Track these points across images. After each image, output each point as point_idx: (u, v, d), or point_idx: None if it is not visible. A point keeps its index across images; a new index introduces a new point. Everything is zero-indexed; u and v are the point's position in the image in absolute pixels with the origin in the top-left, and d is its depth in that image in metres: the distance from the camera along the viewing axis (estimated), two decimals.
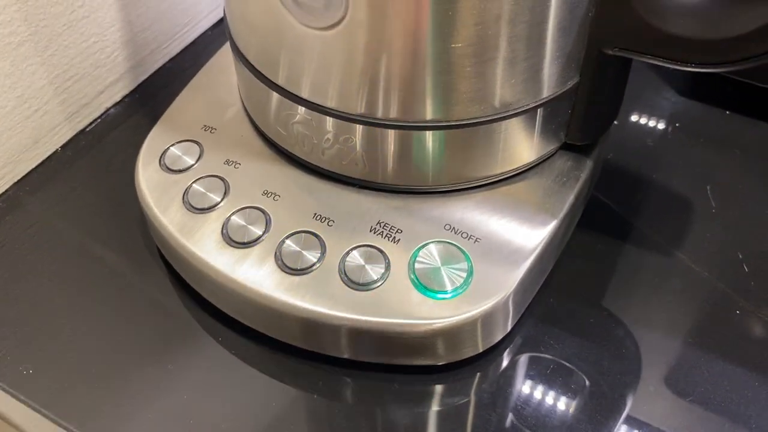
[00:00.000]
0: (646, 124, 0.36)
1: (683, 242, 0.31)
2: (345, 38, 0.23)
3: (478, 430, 0.25)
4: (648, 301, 0.29)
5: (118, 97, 0.37)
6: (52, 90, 0.33)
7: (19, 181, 0.34)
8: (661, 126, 0.36)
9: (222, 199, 0.27)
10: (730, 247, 0.30)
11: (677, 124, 0.36)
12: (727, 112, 0.36)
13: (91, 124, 0.36)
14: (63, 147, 0.35)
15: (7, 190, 0.33)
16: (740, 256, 0.30)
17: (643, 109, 0.37)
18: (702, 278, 0.29)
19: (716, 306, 0.28)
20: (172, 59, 0.40)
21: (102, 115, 0.37)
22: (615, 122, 0.35)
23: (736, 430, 0.25)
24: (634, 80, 0.33)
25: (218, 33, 0.42)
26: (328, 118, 0.26)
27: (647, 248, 0.30)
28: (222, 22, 0.42)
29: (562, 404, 0.26)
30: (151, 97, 0.38)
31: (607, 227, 0.31)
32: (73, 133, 0.36)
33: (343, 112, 0.25)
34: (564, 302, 0.29)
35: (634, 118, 0.36)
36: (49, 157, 0.35)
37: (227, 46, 0.34)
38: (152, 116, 0.37)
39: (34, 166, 0.34)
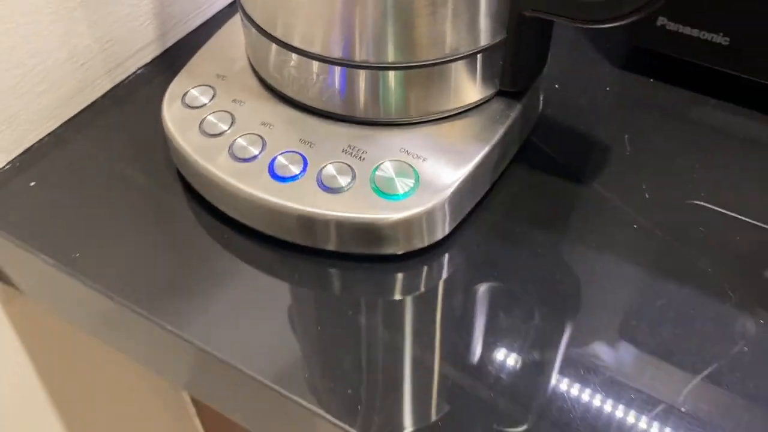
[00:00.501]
0: (583, 88, 0.43)
1: (599, 176, 0.38)
2: None
3: (419, 298, 0.33)
4: (566, 220, 0.36)
5: (147, 60, 0.45)
6: (96, 49, 0.41)
7: (67, 121, 0.41)
8: (594, 90, 0.43)
9: (229, 128, 0.35)
10: (636, 181, 0.37)
11: (608, 89, 0.43)
12: (651, 80, 0.44)
13: (125, 79, 0.44)
14: (102, 96, 0.43)
15: (57, 128, 0.41)
16: (644, 187, 0.37)
17: (582, 77, 0.44)
18: (612, 204, 0.37)
19: (619, 222, 0.36)
20: (192, 31, 0.48)
21: (134, 72, 0.45)
22: (556, 86, 0.43)
23: (619, 310, 0.32)
24: (576, 53, 0.41)
25: (233, 10, 0.50)
26: (313, 61, 0.33)
27: (570, 180, 0.38)
28: (234, 5, 0.51)
29: (488, 292, 0.33)
30: (174, 61, 0.46)
31: (540, 164, 0.38)
32: (111, 86, 0.44)
33: (324, 56, 0.33)
34: (497, 216, 0.36)
35: (573, 83, 0.43)
36: (91, 104, 0.43)
37: (236, 17, 0.42)
38: (174, 75, 0.45)
39: (79, 110, 0.42)
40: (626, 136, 0.40)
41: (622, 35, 0.45)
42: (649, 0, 0.28)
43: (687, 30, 0.40)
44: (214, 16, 0.49)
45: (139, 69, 0.45)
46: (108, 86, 0.43)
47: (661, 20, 0.41)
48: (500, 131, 0.35)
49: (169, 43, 0.47)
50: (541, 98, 0.40)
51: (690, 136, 0.40)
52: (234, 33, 0.40)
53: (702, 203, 0.36)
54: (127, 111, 0.43)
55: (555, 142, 0.40)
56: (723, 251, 0.34)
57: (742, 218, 0.36)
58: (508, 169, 0.38)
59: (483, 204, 0.36)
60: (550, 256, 0.34)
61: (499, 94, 0.36)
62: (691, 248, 0.34)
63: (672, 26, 0.41)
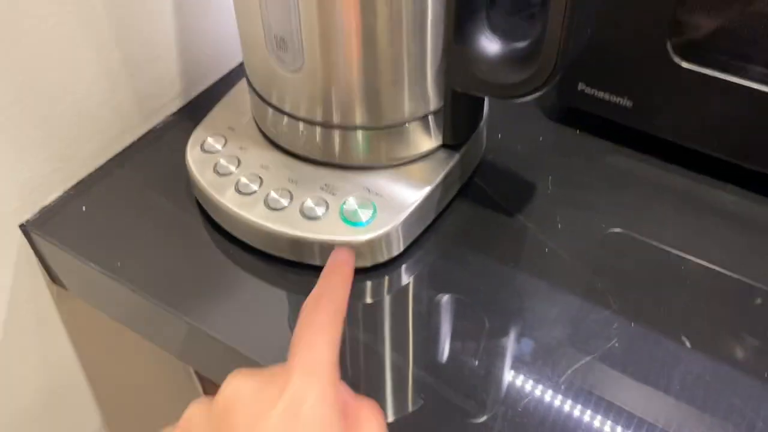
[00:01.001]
0: (520, 137, 0.54)
1: (524, 211, 0.48)
2: (305, 78, 0.41)
3: (380, 300, 0.43)
4: (494, 243, 0.46)
5: (174, 109, 0.57)
6: (135, 101, 0.53)
7: (111, 158, 0.53)
8: (530, 139, 0.54)
9: (236, 169, 0.46)
10: (552, 215, 0.48)
11: (541, 138, 0.54)
12: (577, 132, 0.54)
13: (156, 125, 0.55)
14: (139, 139, 0.54)
15: (103, 164, 0.52)
16: (557, 219, 0.48)
17: (520, 128, 0.55)
18: (531, 232, 0.47)
19: (534, 247, 0.46)
20: (212, 85, 0.59)
21: (164, 119, 0.56)
22: (499, 135, 0.53)
23: (524, 315, 0.42)
24: (517, 108, 0.52)
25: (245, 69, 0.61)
26: (299, 123, 0.44)
27: (501, 213, 0.48)
28: None
29: (432, 295, 0.44)
30: (196, 110, 0.57)
31: (479, 200, 0.49)
32: (145, 130, 0.55)
33: (308, 119, 0.44)
34: (440, 239, 0.46)
35: (512, 132, 0.54)
36: (130, 144, 0.54)
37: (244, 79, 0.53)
38: (196, 121, 0.56)
39: (119, 150, 0.53)
40: (550, 177, 0.51)
41: (553, 94, 0.56)
42: (540, 86, 0.39)
43: (600, 94, 0.51)
44: (229, 73, 0.61)
45: (167, 117, 0.56)
46: (142, 131, 0.55)
47: (581, 85, 0.51)
48: (441, 175, 0.45)
49: (193, 95, 0.58)
50: (484, 146, 0.51)
51: (603, 180, 0.51)
52: (242, 93, 0.52)
53: (605, 228, 0.47)
54: (157, 150, 0.54)
55: (493, 182, 0.50)
56: (613, 270, 0.44)
57: (637, 238, 0.46)
58: (453, 203, 0.48)
59: (431, 229, 0.47)
60: (483, 273, 0.45)
61: (443, 146, 0.46)
62: (587, 267, 0.44)
63: (589, 90, 0.51)
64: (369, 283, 0.44)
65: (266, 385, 0.27)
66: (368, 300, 0.44)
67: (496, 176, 0.51)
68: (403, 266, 0.45)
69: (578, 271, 0.44)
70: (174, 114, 0.57)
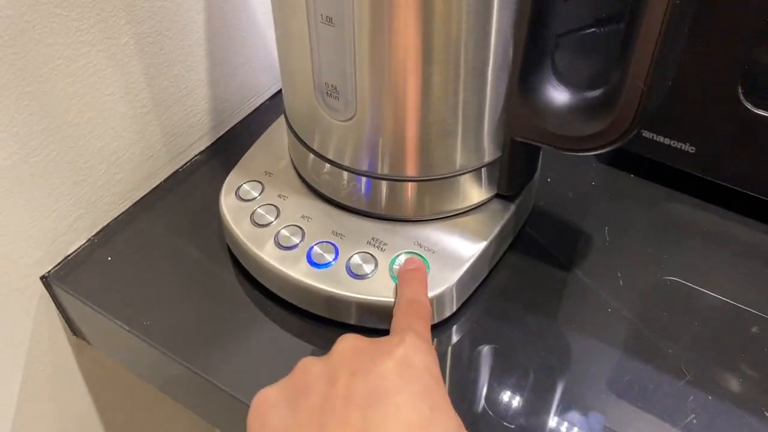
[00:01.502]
0: (571, 182, 0.51)
1: (582, 265, 0.45)
2: (355, 127, 0.38)
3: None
4: (552, 301, 0.43)
5: (202, 147, 0.53)
6: (163, 142, 0.50)
7: (136, 202, 0.50)
8: (581, 184, 0.51)
9: (275, 219, 0.43)
10: (612, 269, 0.45)
11: (593, 183, 0.51)
12: (631, 176, 0.51)
13: (184, 165, 0.52)
14: (165, 180, 0.51)
15: (129, 208, 0.49)
16: (618, 275, 0.44)
17: (571, 172, 0.51)
18: (591, 289, 0.44)
19: (596, 306, 0.43)
20: (240, 121, 0.56)
21: (191, 159, 0.53)
22: (548, 180, 0.50)
23: (590, 381, 0.39)
24: None
25: (274, 103, 0.58)
26: (344, 172, 0.41)
27: (556, 267, 0.45)
28: (276, 96, 0.59)
29: (486, 361, 0.40)
30: (225, 147, 0.54)
31: (533, 252, 0.46)
32: (172, 171, 0.52)
33: (353, 169, 0.40)
34: (494, 297, 0.43)
35: (563, 178, 0.51)
36: (156, 186, 0.51)
37: (280, 118, 0.50)
38: (225, 160, 0.53)
39: (146, 192, 0.50)
40: (606, 227, 0.47)
41: None
42: (616, 139, 0.36)
43: (660, 138, 0.48)
44: (257, 108, 0.57)
45: (195, 156, 0.53)
46: (170, 171, 0.51)
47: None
48: (497, 228, 0.42)
49: (221, 133, 0.55)
50: (534, 192, 0.47)
51: (662, 229, 0.47)
52: (279, 133, 0.48)
53: (669, 284, 0.43)
54: (185, 193, 0.51)
55: (545, 232, 0.47)
56: (683, 333, 0.41)
57: (705, 292, 0.43)
58: (505, 255, 0.45)
59: (482, 286, 0.43)
60: (540, 335, 0.41)
61: (497, 196, 0.43)
62: (655, 331, 0.41)
63: (647, 134, 0.48)
64: None
65: (379, 343, 0.32)
66: None
67: (548, 225, 0.48)
68: (453, 328, 0.42)
69: (645, 334, 0.41)
70: (201, 153, 0.53)
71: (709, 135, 0.46)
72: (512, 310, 0.43)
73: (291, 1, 0.35)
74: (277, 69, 0.57)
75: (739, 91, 0.43)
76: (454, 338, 0.41)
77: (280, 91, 0.59)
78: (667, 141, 0.48)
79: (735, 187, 0.47)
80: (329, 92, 0.37)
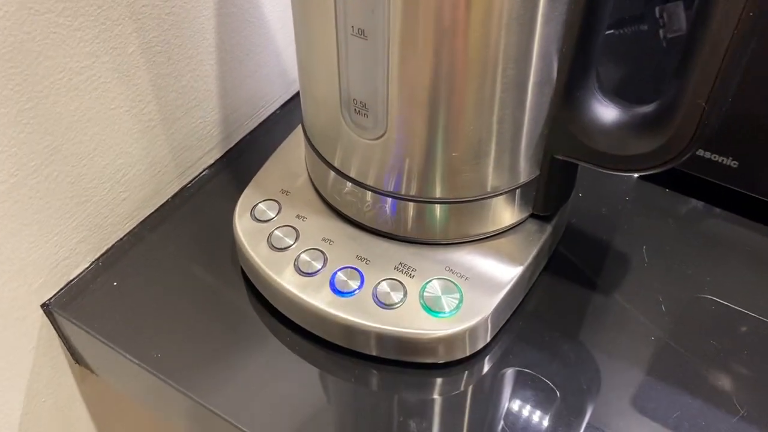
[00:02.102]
0: (603, 197, 0.48)
1: (620, 287, 0.42)
2: (383, 146, 0.35)
3: (465, 412, 0.37)
4: (590, 328, 0.40)
5: (211, 161, 0.50)
6: (170, 157, 0.47)
7: (143, 221, 0.46)
8: (615, 200, 0.48)
9: (294, 242, 0.40)
10: (653, 293, 0.42)
11: (627, 198, 0.48)
12: (667, 190, 0.48)
13: (192, 180, 0.49)
14: (173, 197, 0.48)
15: (134, 228, 0.46)
16: (660, 299, 0.42)
17: (603, 186, 0.49)
18: (631, 314, 0.41)
19: (638, 334, 0.40)
20: (250, 132, 0.53)
21: (200, 173, 0.50)
22: (580, 195, 0.47)
23: (638, 417, 0.36)
24: None
25: (285, 112, 0.55)
26: (368, 192, 0.38)
27: (593, 290, 0.42)
28: (288, 104, 0.56)
29: (523, 397, 0.37)
30: (235, 161, 0.51)
31: (567, 273, 0.43)
32: (180, 187, 0.49)
33: (378, 189, 0.38)
34: (530, 325, 0.40)
35: (595, 193, 0.48)
36: (163, 204, 0.48)
37: (296, 130, 0.47)
38: (235, 174, 0.50)
39: (152, 210, 0.47)
40: (644, 247, 0.45)
41: None
42: (671, 159, 0.33)
43: (700, 152, 0.45)
44: (268, 118, 0.54)
45: (204, 170, 0.50)
46: (177, 187, 0.48)
47: None
48: (534, 251, 0.39)
49: (230, 145, 0.52)
50: (568, 210, 0.45)
51: (702, 247, 0.45)
52: (295, 147, 0.45)
53: (714, 308, 0.41)
54: (194, 210, 0.48)
55: (580, 252, 0.44)
56: (734, 363, 0.38)
57: (753, 316, 0.40)
58: (539, 277, 0.42)
59: (516, 312, 0.40)
60: (580, 365, 0.39)
61: (532, 216, 0.40)
62: (703, 361, 0.38)
63: None
64: (440, 381, 0.38)
65: None
66: (440, 400, 0.37)
67: (583, 244, 0.45)
68: (487, 360, 0.39)
69: (692, 365, 0.38)
70: (210, 167, 0.50)
71: (754, 149, 0.43)
72: (549, 338, 0.40)
73: (318, 11, 0.32)
74: (289, 76, 0.54)
75: None
76: (489, 371, 0.38)
77: (291, 100, 0.56)
78: (708, 155, 0.45)
79: None
80: (357, 109, 0.34)
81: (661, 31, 0.61)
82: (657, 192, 0.48)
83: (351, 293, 0.38)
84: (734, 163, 0.44)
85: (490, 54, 0.31)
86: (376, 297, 0.37)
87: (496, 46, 0.31)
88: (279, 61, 0.53)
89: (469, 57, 0.31)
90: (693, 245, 0.45)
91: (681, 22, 0.63)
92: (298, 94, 0.56)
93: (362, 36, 0.31)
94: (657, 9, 0.64)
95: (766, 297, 0.42)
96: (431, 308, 0.37)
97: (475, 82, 0.32)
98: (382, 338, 0.37)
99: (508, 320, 0.40)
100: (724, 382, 0.37)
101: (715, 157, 0.45)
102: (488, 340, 0.38)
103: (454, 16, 0.30)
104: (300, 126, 0.42)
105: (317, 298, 0.38)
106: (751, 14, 0.27)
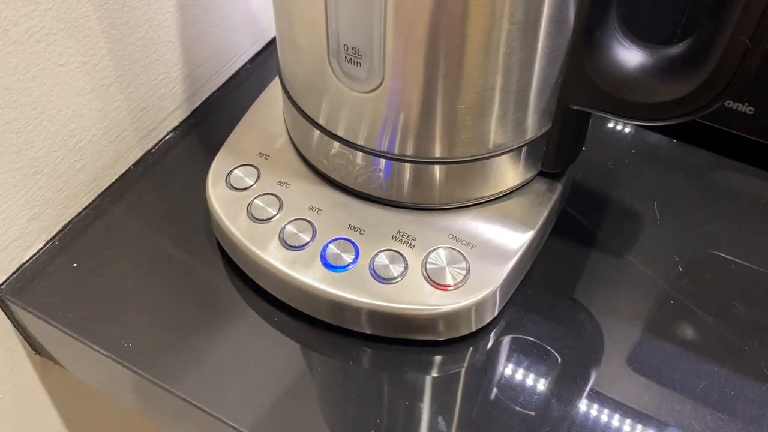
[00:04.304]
0: (608, 151, 0.44)
1: (633, 247, 0.39)
2: (377, 99, 0.31)
3: (470, 391, 0.34)
4: (605, 294, 0.37)
5: (177, 122, 0.45)
6: (130, 119, 0.41)
7: (102, 192, 0.41)
8: (620, 152, 0.44)
9: (278, 212, 0.35)
10: (668, 252, 0.39)
11: (633, 151, 0.44)
12: (674, 141, 0.45)
13: (156, 144, 0.44)
14: (135, 164, 0.43)
15: (93, 200, 0.41)
16: (676, 258, 0.38)
17: (607, 138, 0.45)
18: (646, 276, 0.38)
19: (656, 297, 0.37)
20: (219, 89, 0.48)
21: (164, 137, 0.45)
22: (583, 148, 0.43)
23: (663, 391, 0.33)
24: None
25: (257, 65, 0.50)
26: (358, 152, 0.34)
27: (604, 252, 0.39)
28: (258, 56, 0.51)
29: (535, 372, 0.34)
30: (203, 120, 0.46)
31: (575, 234, 0.40)
32: (143, 152, 0.44)
33: (371, 149, 0.33)
34: (539, 294, 0.37)
35: (599, 145, 0.44)
36: (124, 173, 0.43)
37: (272, 84, 0.42)
38: (204, 136, 0.45)
39: (113, 180, 0.42)
40: (655, 203, 0.41)
41: None
42: (704, 105, 0.29)
43: None
44: (237, 72, 0.49)
45: (168, 133, 0.45)
46: (140, 153, 0.43)
47: None
48: (544, 213, 0.36)
49: (197, 104, 0.47)
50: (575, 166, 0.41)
51: (716, 201, 0.42)
52: (272, 104, 0.41)
53: (734, 268, 0.38)
54: (160, 178, 0.43)
55: (588, 211, 0.41)
56: (759, 328, 0.35)
57: None
58: (547, 240, 0.39)
59: (525, 280, 0.37)
60: (594, 336, 0.35)
61: (540, 174, 0.37)
62: (727, 325, 0.36)
63: None
64: (443, 359, 0.35)
65: None
66: (444, 380, 0.34)
67: (590, 203, 0.41)
68: (496, 335, 0.35)
69: (716, 330, 0.36)
70: (176, 129, 0.45)
71: None
72: (562, 307, 0.36)
73: None
74: (258, 24, 0.49)
75: None
76: (499, 348, 0.35)
77: (264, 50, 0.51)
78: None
79: None
80: (349, 57, 0.29)
81: None
82: (664, 143, 0.45)
83: (345, 267, 0.33)
84: (750, 110, 0.41)
85: None
86: (374, 271, 0.33)
87: None
88: (247, 8, 0.47)
89: None
90: (706, 199, 0.42)
91: None
92: (270, 43, 0.51)
93: None
94: None
95: None
96: (436, 281, 0.33)
97: (483, 19, 0.27)
98: (382, 316, 0.33)
99: (516, 289, 0.36)
100: (751, 347, 0.35)
101: (729, 103, 0.41)
102: (496, 313, 0.35)
103: None
104: (277, 79, 0.37)
105: (308, 274, 0.33)
106: None
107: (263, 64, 0.50)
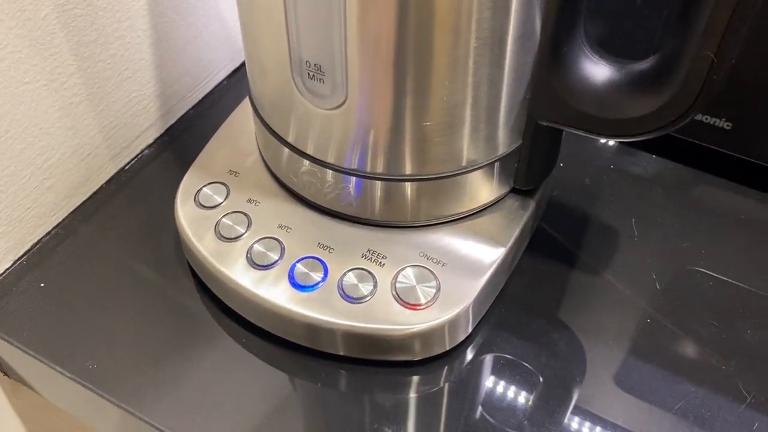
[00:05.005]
0: (585, 166, 0.44)
1: (610, 264, 0.38)
2: (343, 116, 0.30)
3: (446, 411, 0.33)
4: (581, 312, 0.36)
5: (150, 140, 0.45)
6: (101, 137, 0.41)
7: (73, 211, 0.41)
8: (598, 168, 0.44)
9: (246, 231, 0.35)
10: (646, 269, 0.38)
11: (611, 166, 0.44)
12: (653, 156, 0.45)
13: (129, 162, 0.44)
14: (107, 182, 0.43)
15: (63, 219, 0.40)
16: (654, 276, 0.38)
17: (584, 154, 0.45)
18: (623, 294, 0.37)
19: (633, 316, 0.36)
20: (194, 106, 0.48)
21: (138, 155, 0.44)
22: (560, 164, 0.43)
23: (639, 411, 0.33)
24: None
25: (233, 83, 0.50)
26: (328, 170, 0.33)
27: (581, 269, 0.38)
28: (235, 74, 0.50)
29: (511, 391, 0.33)
30: (177, 138, 0.46)
31: (550, 251, 0.39)
32: (116, 170, 0.43)
33: (340, 167, 0.33)
34: (514, 311, 0.36)
35: (576, 161, 0.44)
36: (96, 191, 0.42)
37: (244, 102, 0.42)
38: (179, 154, 0.45)
39: (84, 199, 0.41)
40: (633, 219, 0.41)
41: None
42: (672, 121, 0.29)
43: None
44: (213, 90, 0.49)
45: (142, 151, 0.44)
46: (112, 171, 0.43)
47: None
48: (516, 230, 0.35)
49: (172, 121, 0.46)
50: (550, 181, 0.40)
51: (694, 217, 0.41)
52: (243, 121, 0.40)
53: (712, 285, 0.37)
54: (132, 196, 0.42)
55: (564, 227, 0.40)
56: (737, 346, 0.35)
57: (753, 291, 0.36)
58: (522, 257, 0.38)
59: (498, 298, 0.36)
60: (569, 355, 0.35)
61: (513, 191, 0.36)
62: (704, 344, 0.35)
63: None
64: (417, 379, 0.34)
65: None
66: (418, 401, 0.33)
67: (566, 219, 0.41)
68: (469, 354, 0.35)
69: (692, 348, 0.35)
70: (150, 147, 0.45)
71: (749, 109, 0.40)
72: (535, 325, 0.36)
73: None
74: (234, 42, 0.49)
75: None
76: (472, 367, 0.34)
77: (239, 69, 0.50)
78: (698, 117, 0.41)
79: None
80: (311, 74, 0.29)
81: None
82: (643, 158, 0.45)
83: (313, 287, 0.33)
84: (727, 125, 0.40)
85: (463, 3, 0.26)
86: (342, 290, 0.33)
87: None
88: (222, 25, 0.47)
89: (438, 8, 0.26)
90: (684, 215, 0.41)
91: None
92: None
93: None
94: None
95: (766, 269, 0.38)
96: (405, 300, 0.32)
97: (447, 36, 0.27)
98: (351, 336, 0.32)
99: (489, 307, 0.36)
100: (729, 366, 0.34)
101: (706, 119, 0.41)
102: (469, 331, 0.34)
103: None
104: (250, 101, 0.37)
105: (275, 294, 0.33)
106: None
107: (239, 81, 0.50)
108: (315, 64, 0.29)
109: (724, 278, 0.38)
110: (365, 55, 0.27)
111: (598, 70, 0.30)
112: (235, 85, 0.50)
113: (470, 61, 0.28)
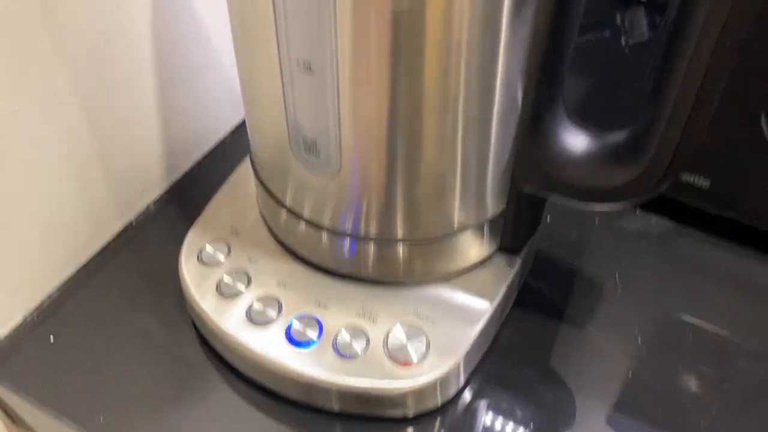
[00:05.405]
0: (572, 221, 0.46)
1: (593, 319, 0.40)
2: (338, 185, 0.32)
3: None
4: (566, 363, 0.38)
5: (155, 196, 0.47)
6: (109, 195, 0.43)
7: (81, 267, 0.43)
8: (583, 222, 0.46)
9: (245, 288, 0.37)
10: (628, 324, 0.40)
11: (596, 221, 0.46)
12: (637, 212, 0.46)
13: (135, 217, 0.46)
14: (114, 238, 0.44)
15: (73, 275, 0.42)
16: (636, 330, 0.39)
17: (571, 209, 0.46)
18: (606, 348, 0.39)
19: (615, 370, 0.38)
20: (197, 163, 0.50)
21: (143, 210, 0.46)
22: (547, 220, 0.45)
23: None
24: None
25: (234, 141, 0.52)
26: (324, 232, 0.35)
27: (566, 322, 0.40)
28: (239, 130, 0.52)
29: None
30: (181, 194, 0.48)
31: (537, 306, 0.41)
32: (122, 226, 0.45)
33: (335, 230, 0.35)
34: (503, 365, 0.38)
35: (563, 216, 0.46)
36: (104, 246, 0.44)
37: (245, 162, 0.44)
38: (182, 209, 0.47)
39: (93, 253, 0.43)
40: (617, 273, 0.42)
41: None
42: (646, 190, 0.31)
43: None
44: (217, 146, 0.51)
45: (148, 206, 0.46)
46: (119, 227, 0.45)
47: None
48: (504, 287, 0.37)
49: (175, 178, 0.48)
50: (537, 238, 0.42)
51: (677, 271, 0.43)
52: (245, 180, 0.42)
53: (693, 338, 0.39)
54: (138, 250, 0.44)
55: (550, 281, 0.42)
56: (721, 399, 0.36)
57: (735, 342, 0.38)
58: (511, 310, 0.40)
59: (489, 352, 0.38)
60: (555, 408, 0.36)
61: (499, 249, 0.38)
62: (687, 398, 0.36)
63: None
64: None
65: None
66: None
67: (552, 273, 0.43)
68: (461, 408, 0.36)
69: (676, 403, 0.36)
70: (156, 202, 0.47)
71: (728, 168, 0.42)
72: (523, 377, 0.37)
73: (260, 43, 0.29)
74: (238, 99, 0.51)
75: (763, 121, 0.39)
76: (465, 419, 0.36)
77: (243, 124, 0.53)
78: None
79: (751, 225, 0.43)
80: (308, 148, 0.31)
81: (623, 38, 0.60)
82: (627, 213, 0.46)
83: (309, 344, 0.35)
84: (706, 183, 0.42)
85: (450, 87, 0.28)
86: (337, 348, 0.34)
87: (455, 78, 0.28)
88: (225, 83, 0.49)
89: (425, 92, 0.28)
90: (667, 269, 0.43)
91: (643, 27, 0.61)
92: None
93: (308, 71, 0.28)
94: (618, 15, 0.62)
95: (748, 322, 0.40)
96: (397, 357, 0.34)
97: (434, 117, 0.29)
98: (345, 394, 0.34)
99: (480, 359, 0.37)
100: (707, 420, 0.35)
101: (686, 177, 0.43)
102: (461, 385, 0.36)
103: (409, 48, 0.27)
104: (251, 164, 0.39)
105: (272, 351, 0.34)
106: (728, 43, 0.25)
107: (243, 137, 0.52)
108: (311, 139, 0.31)
109: (707, 330, 0.39)
110: (356, 134, 0.30)
111: (576, 141, 0.32)
112: (238, 142, 0.52)
113: (457, 138, 0.30)
